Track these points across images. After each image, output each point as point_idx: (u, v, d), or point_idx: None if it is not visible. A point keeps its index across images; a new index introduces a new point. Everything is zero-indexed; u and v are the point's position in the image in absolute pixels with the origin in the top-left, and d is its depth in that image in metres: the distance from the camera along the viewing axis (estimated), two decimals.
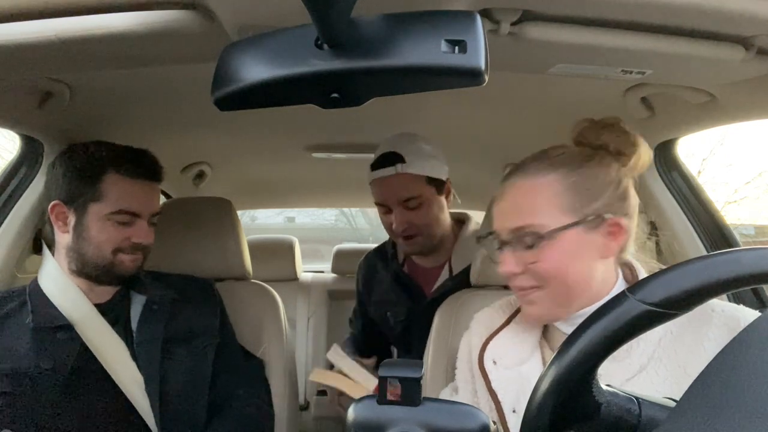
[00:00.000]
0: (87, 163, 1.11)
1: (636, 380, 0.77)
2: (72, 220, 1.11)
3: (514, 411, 0.85)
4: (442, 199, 1.47)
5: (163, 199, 2.00)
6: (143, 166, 1.14)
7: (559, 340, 0.87)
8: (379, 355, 1.59)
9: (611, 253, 0.83)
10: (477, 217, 1.60)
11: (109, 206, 1.10)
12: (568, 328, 0.85)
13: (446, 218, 1.50)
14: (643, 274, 0.86)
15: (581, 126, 0.88)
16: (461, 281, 1.35)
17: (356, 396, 1.19)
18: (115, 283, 1.16)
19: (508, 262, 0.82)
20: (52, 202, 1.12)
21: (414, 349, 1.48)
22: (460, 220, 1.59)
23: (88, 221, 1.10)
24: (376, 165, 1.42)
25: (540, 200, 0.81)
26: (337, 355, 1.43)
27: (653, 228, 1.26)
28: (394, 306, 1.56)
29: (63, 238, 1.13)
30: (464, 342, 1.01)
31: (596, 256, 0.81)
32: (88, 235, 1.10)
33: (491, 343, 0.92)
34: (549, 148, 0.88)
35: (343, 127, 1.56)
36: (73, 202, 1.10)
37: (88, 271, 1.12)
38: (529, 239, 0.80)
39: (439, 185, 1.45)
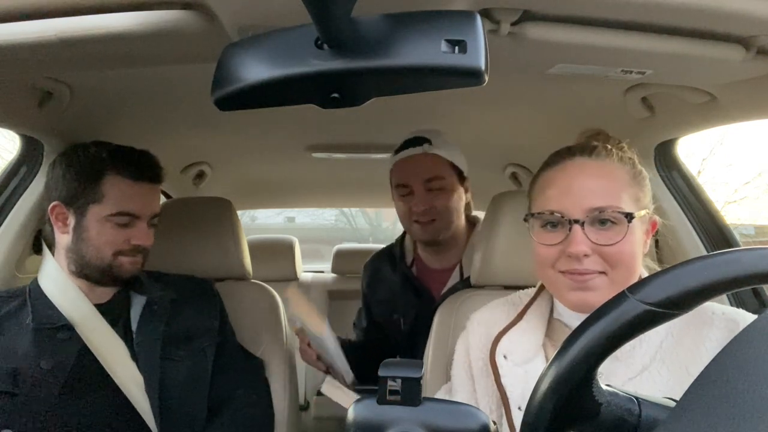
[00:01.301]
0: (87, 165, 1.11)
1: (638, 380, 0.78)
2: (72, 221, 1.11)
3: (519, 408, 0.85)
4: (462, 191, 1.48)
5: (163, 199, 2.00)
6: (144, 168, 1.14)
7: (562, 339, 0.87)
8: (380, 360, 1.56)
9: (646, 250, 0.85)
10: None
11: (109, 208, 1.10)
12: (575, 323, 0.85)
13: (462, 213, 1.50)
14: (643, 273, 0.86)
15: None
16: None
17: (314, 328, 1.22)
18: (113, 285, 1.16)
19: (582, 242, 0.79)
20: (52, 203, 1.11)
21: (419, 352, 1.47)
22: (471, 222, 1.57)
23: (87, 222, 1.10)
24: (401, 147, 1.44)
25: (619, 184, 0.82)
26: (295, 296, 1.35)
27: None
28: (401, 308, 1.54)
29: (63, 239, 1.13)
30: (461, 343, 1.00)
31: (642, 250, 0.84)
32: (88, 236, 1.10)
33: (504, 338, 0.91)
34: (597, 137, 0.89)
35: (344, 127, 1.56)
36: (73, 203, 1.10)
37: (88, 273, 1.12)
38: (612, 219, 0.80)
39: (461, 175, 1.46)
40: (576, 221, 0.80)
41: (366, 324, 1.70)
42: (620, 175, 0.83)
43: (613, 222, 0.80)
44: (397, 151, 1.46)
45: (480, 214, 1.49)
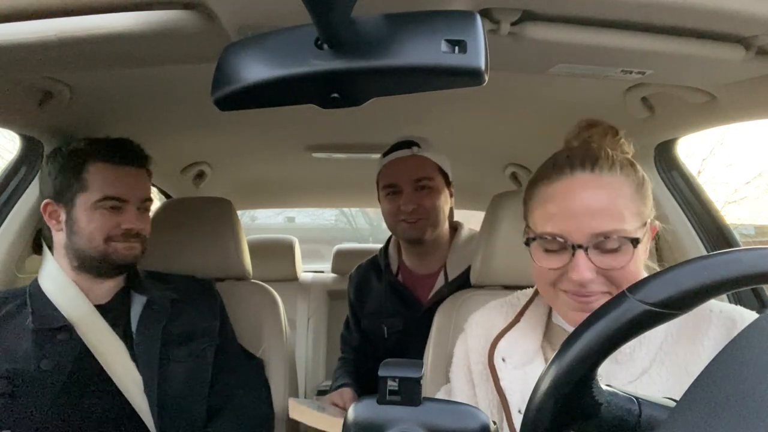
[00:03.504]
0: (70, 158, 1.12)
1: (639, 383, 0.77)
2: (63, 216, 1.12)
3: (519, 411, 0.84)
4: (448, 194, 1.51)
5: (163, 199, 2.00)
6: (124, 152, 1.15)
7: (561, 341, 0.86)
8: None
9: (647, 255, 0.82)
10: (478, 216, 1.60)
11: (95, 194, 1.10)
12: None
13: (447, 216, 1.52)
14: (643, 273, 0.86)
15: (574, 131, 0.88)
16: (457, 287, 1.34)
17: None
18: (115, 275, 1.16)
19: (585, 268, 0.75)
20: (44, 201, 1.13)
21: (410, 358, 1.45)
22: (453, 227, 1.60)
23: (77, 213, 1.11)
24: (391, 150, 1.48)
25: (622, 202, 0.77)
26: (298, 410, 1.28)
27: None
28: (389, 317, 1.55)
29: (59, 237, 1.14)
30: (460, 345, 1.00)
31: (645, 257, 0.81)
32: (79, 227, 1.11)
33: (502, 340, 0.91)
34: (595, 128, 0.86)
35: (344, 127, 1.57)
36: (61, 197, 1.11)
37: (87, 265, 1.12)
38: (616, 244, 0.75)
39: (447, 179, 1.51)
40: (579, 246, 0.76)
41: (358, 338, 1.68)
42: (624, 191, 0.78)
43: (617, 246, 0.76)
44: (385, 154, 1.50)
45: (480, 214, 1.49)
